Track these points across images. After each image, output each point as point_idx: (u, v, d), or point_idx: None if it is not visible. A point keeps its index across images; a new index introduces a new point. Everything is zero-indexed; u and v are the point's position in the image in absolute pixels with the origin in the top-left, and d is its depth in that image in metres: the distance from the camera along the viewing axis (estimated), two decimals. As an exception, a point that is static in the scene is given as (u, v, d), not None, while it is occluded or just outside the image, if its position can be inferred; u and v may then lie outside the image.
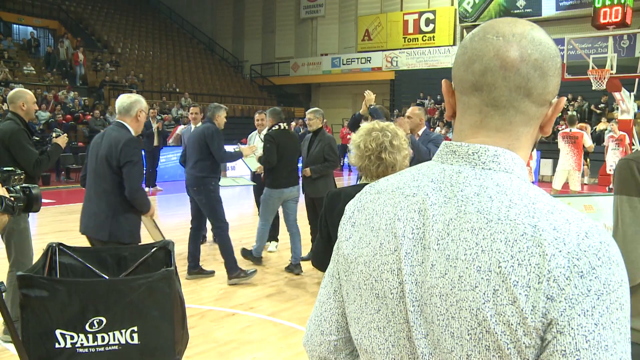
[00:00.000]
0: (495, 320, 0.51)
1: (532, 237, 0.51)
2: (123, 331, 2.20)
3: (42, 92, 14.87)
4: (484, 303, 0.52)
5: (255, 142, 5.69)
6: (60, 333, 2.15)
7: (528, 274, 0.50)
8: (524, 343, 0.50)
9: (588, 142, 7.98)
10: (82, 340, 2.17)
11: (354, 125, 4.31)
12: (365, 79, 23.28)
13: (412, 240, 0.61)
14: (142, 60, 21.48)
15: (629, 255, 1.19)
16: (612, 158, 10.35)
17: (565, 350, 0.48)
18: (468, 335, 0.54)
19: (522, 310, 0.50)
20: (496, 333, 0.51)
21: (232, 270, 4.38)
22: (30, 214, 3.03)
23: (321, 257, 1.80)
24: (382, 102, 22.73)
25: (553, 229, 0.51)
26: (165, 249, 2.57)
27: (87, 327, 2.17)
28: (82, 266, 2.46)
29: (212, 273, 4.65)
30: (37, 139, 3.29)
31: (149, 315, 2.22)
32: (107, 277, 2.44)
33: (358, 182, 1.78)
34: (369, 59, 23.21)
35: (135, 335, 2.21)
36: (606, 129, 11.62)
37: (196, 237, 4.62)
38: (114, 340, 2.20)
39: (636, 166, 1.27)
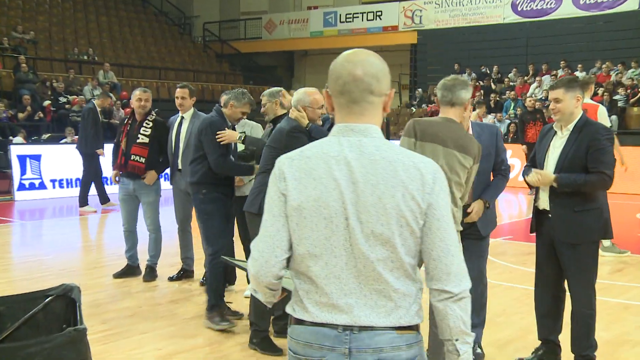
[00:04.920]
0: (405, 209, 1.73)
1: (414, 167, 1.76)
2: None
3: None
4: (399, 203, 1.73)
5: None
6: None
7: (417, 184, 1.75)
8: (418, 217, 1.75)
9: (603, 118, 6.70)
10: None
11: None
12: (374, 43, 23.38)
13: (346, 181, 1.74)
14: (31, 10, 21.15)
15: None
16: None
17: (437, 218, 1.76)
18: (392, 220, 1.73)
19: (417, 201, 1.74)
20: (406, 216, 1.74)
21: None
22: None
23: None
24: (399, 78, 22.80)
25: (421, 162, 1.78)
26: (66, 298, 2.57)
27: None
28: None
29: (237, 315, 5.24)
30: None
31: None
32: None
33: None
34: (378, 14, 23.36)
35: None
36: None
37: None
38: None
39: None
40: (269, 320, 4.64)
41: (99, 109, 11.02)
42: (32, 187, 12.31)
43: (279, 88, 5.30)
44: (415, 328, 1.82)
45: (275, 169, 1.83)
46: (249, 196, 4.66)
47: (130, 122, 6.29)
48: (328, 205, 1.75)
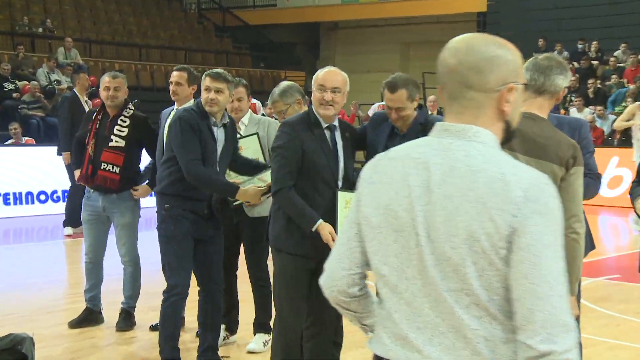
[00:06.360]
0: (480, 232, 1.82)
1: (501, 179, 1.84)
2: None
3: None
4: (473, 222, 1.83)
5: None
6: None
7: (498, 201, 1.82)
8: (498, 245, 1.82)
9: None
10: None
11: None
12: (428, 12, 23.41)
13: (420, 188, 1.92)
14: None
15: None
16: None
17: (522, 247, 1.80)
18: (463, 244, 1.84)
19: (497, 223, 1.81)
20: (481, 240, 1.82)
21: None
22: None
23: None
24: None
25: (513, 174, 1.85)
26: (14, 353, 2.67)
27: None
28: None
29: None
30: None
31: None
32: None
33: None
34: (435, -28, 23.29)
35: None
36: None
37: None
38: None
39: None
40: None
41: (83, 98, 10.95)
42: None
43: (289, 83, 5.35)
44: None
45: None
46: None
47: (100, 118, 6.29)
48: (397, 215, 1.94)
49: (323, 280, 2.13)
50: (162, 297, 5.17)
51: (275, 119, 5.86)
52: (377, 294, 2.06)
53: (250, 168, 5.43)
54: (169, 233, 5.10)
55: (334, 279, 2.09)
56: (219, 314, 5.42)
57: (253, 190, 5.11)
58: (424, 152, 1.94)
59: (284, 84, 5.35)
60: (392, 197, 1.94)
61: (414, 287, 1.91)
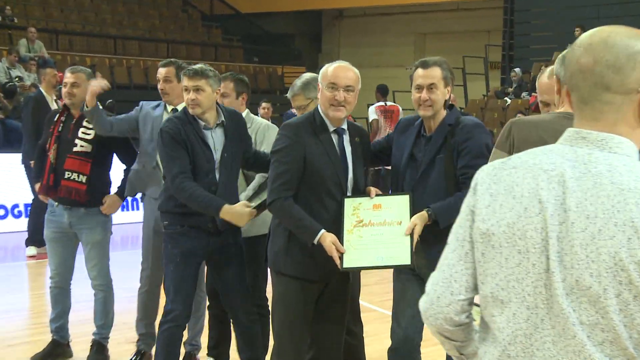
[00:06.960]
0: (629, 260, 1.79)
1: None
2: None
3: None
4: (620, 248, 1.80)
5: None
6: None
7: None
8: None
9: None
10: None
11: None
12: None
13: (555, 205, 1.91)
14: None
15: None
16: None
17: None
18: (606, 273, 1.82)
19: None
20: (629, 270, 1.79)
21: None
22: None
23: None
24: (485, 52, 22.68)
25: None
26: None
27: None
28: None
29: None
30: None
31: None
32: None
33: None
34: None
35: None
36: None
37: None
38: None
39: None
40: None
41: (51, 97, 10.89)
42: None
43: (312, 75, 5.34)
44: None
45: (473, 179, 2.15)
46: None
47: (63, 119, 6.26)
48: (525, 234, 1.93)
49: (425, 307, 2.14)
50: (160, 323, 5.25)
51: (291, 116, 5.83)
52: (484, 320, 2.08)
53: (265, 165, 5.24)
54: (168, 253, 5.22)
55: (440, 306, 2.09)
56: (255, 341, 5.52)
57: (240, 209, 5.01)
58: (556, 163, 1.94)
59: (307, 75, 5.38)
60: (520, 214, 1.94)
61: (536, 317, 1.92)
